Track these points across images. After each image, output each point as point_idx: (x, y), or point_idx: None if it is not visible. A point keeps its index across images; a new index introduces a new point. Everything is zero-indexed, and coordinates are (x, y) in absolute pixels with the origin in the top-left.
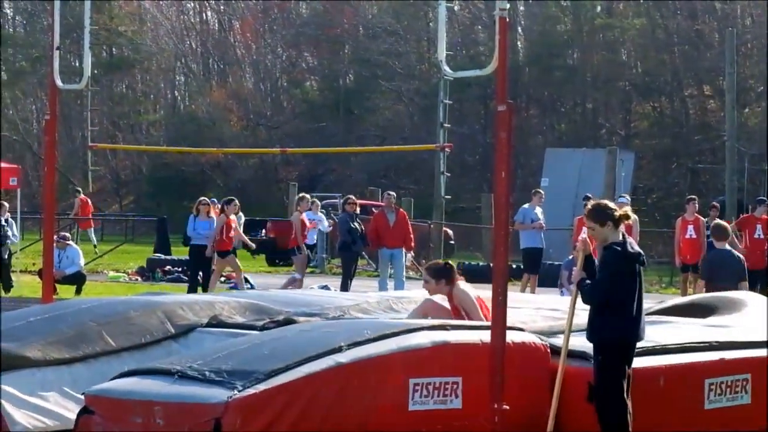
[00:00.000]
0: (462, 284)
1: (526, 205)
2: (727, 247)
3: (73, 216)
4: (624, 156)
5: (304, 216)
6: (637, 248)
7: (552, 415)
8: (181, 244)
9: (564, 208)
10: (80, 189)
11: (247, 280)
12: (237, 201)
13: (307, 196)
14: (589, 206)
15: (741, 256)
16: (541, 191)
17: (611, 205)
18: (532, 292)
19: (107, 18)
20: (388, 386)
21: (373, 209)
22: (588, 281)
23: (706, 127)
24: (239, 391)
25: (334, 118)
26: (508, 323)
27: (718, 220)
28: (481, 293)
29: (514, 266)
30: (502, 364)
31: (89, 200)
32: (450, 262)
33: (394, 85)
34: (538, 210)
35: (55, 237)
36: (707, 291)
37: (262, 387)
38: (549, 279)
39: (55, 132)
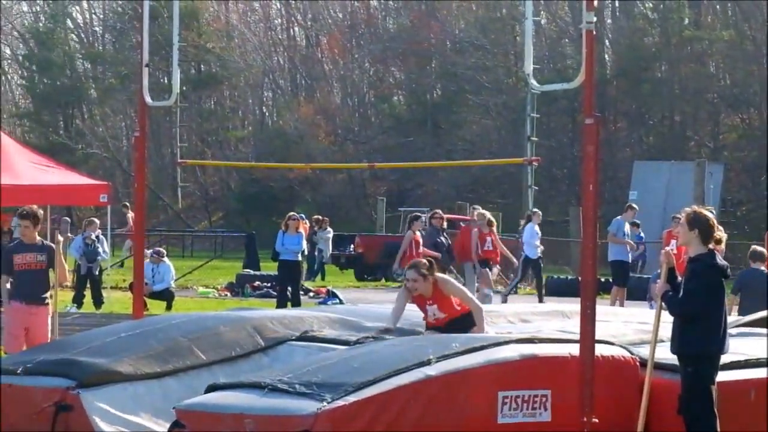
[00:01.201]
0: (440, 275)
1: (619, 217)
2: (762, 268)
3: (128, 232)
4: (712, 168)
5: (417, 235)
6: (723, 261)
7: (640, 427)
8: (270, 260)
9: (652, 221)
10: (128, 204)
11: (335, 295)
12: (419, 220)
13: (423, 216)
14: (693, 208)
15: None
16: (635, 206)
17: (713, 220)
18: (621, 305)
19: (195, 35)
20: (477, 399)
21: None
22: (671, 293)
23: None
24: (328, 403)
25: (421, 132)
26: (598, 336)
27: (755, 246)
28: (569, 307)
29: (602, 280)
30: (592, 378)
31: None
32: (430, 258)
33: (481, 99)
34: (627, 225)
35: (149, 252)
36: (739, 308)
37: (351, 399)
38: (638, 292)
39: (144, 148)
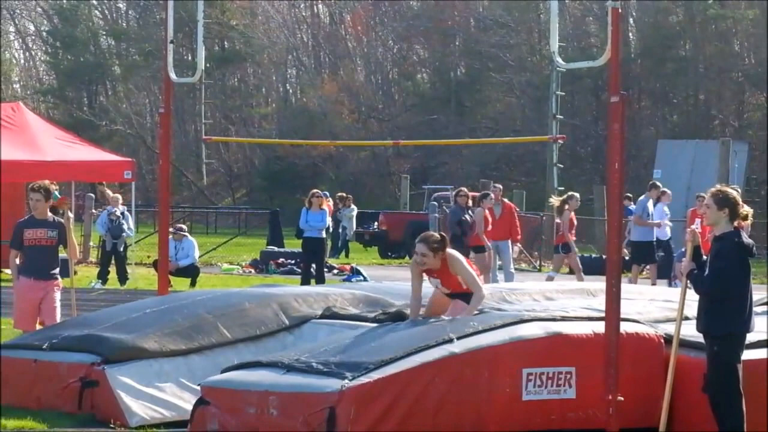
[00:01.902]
0: (451, 251)
1: (642, 197)
2: None
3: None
4: (737, 147)
5: (487, 213)
6: (749, 239)
7: (665, 405)
8: (294, 237)
9: (676, 200)
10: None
11: (359, 272)
12: (488, 198)
13: (576, 194)
14: (718, 187)
15: None
16: (658, 184)
17: (738, 198)
18: (653, 283)
19: (219, 12)
20: (501, 376)
21: None
22: (697, 272)
23: None
24: (350, 381)
25: (445, 110)
26: (623, 314)
27: None
28: (594, 285)
29: (627, 258)
30: (617, 356)
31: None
32: (442, 233)
33: (505, 77)
34: (650, 204)
35: (171, 228)
36: None
37: (375, 376)
38: (661, 270)
39: (169, 125)
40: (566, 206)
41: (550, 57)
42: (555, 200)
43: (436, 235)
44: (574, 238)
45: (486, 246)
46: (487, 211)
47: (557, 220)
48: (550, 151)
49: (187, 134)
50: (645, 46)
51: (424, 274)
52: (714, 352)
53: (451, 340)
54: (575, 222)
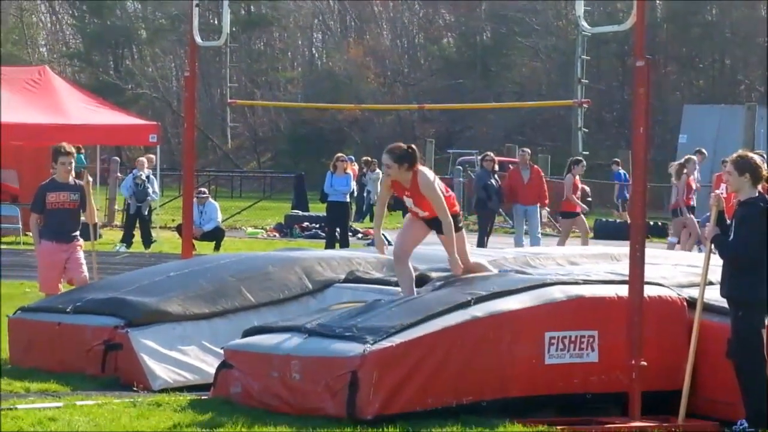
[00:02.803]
0: (424, 169)
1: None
2: None
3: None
4: (763, 112)
5: (577, 179)
6: None
7: (689, 370)
8: (319, 201)
9: (701, 164)
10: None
11: (384, 237)
12: (579, 164)
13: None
14: (739, 153)
15: None
16: (704, 151)
17: (759, 161)
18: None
19: None
20: (523, 340)
21: (510, 166)
22: (721, 236)
23: None
24: (371, 345)
25: (471, 74)
26: (646, 279)
27: None
28: (617, 250)
29: (651, 223)
30: (640, 320)
31: None
32: (413, 146)
33: (531, 42)
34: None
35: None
36: None
37: (397, 340)
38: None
39: (194, 89)
40: (684, 170)
41: (575, 21)
42: (674, 165)
43: (403, 146)
44: (692, 203)
45: (582, 208)
46: (577, 177)
47: (674, 184)
48: (575, 116)
49: (212, 98)
50: (671, 10)
51: (399, 192)
52: (738, 317)
53: (468, 303)
54: (693, 186)
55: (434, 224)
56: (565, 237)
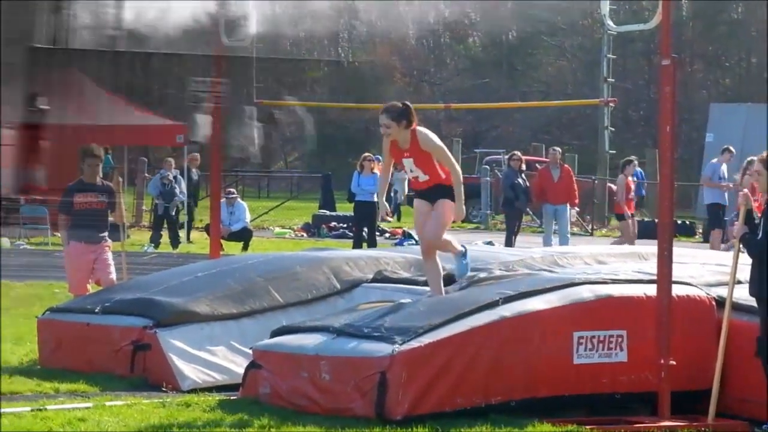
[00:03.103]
0: (420, 128)
1: (714, 160)
2: None
3: None
4: None
5: (630, 179)
6: None
7: (718, 369)
8: (346, 201)
9: (729, 163)
10: None
11: (411, 236)
12: (631, 164)
13: (635, 159)
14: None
15: None
16: (732, 149)
17: None
18: (716, 247)
19: None
20: (552, 340)
21: (537, 165)
22: (750, 235)
23: None
24: (400, 345)
25: (497, 74)
26: (675, 278)
27: None
28: (645, 249)
29: (679, 222)
30: (669, 320)
31: None
32: (407, 102)
33: (557, 41)
34: (725, 167)
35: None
36: None
37: (426, 340)
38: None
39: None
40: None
41: (601, 20)
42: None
43: (398, 104)
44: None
45: (626, 215)
46: (630, 178)
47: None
48: (601, 115)
49: (239, 98)
50: (697, 8)
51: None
52: (766, 316)
53: (496, 303)
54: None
55: (433, 195)
56: (627, 237)
